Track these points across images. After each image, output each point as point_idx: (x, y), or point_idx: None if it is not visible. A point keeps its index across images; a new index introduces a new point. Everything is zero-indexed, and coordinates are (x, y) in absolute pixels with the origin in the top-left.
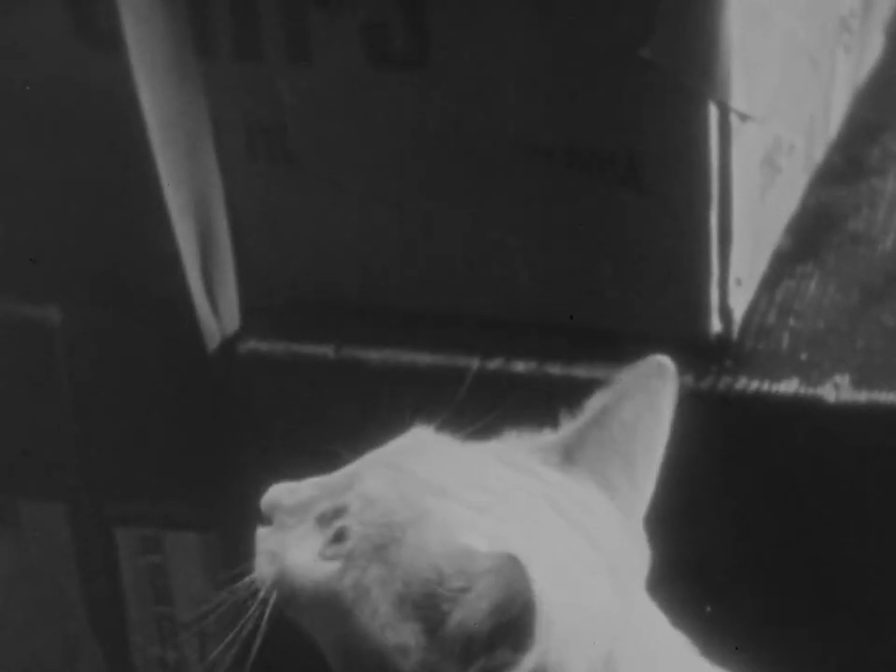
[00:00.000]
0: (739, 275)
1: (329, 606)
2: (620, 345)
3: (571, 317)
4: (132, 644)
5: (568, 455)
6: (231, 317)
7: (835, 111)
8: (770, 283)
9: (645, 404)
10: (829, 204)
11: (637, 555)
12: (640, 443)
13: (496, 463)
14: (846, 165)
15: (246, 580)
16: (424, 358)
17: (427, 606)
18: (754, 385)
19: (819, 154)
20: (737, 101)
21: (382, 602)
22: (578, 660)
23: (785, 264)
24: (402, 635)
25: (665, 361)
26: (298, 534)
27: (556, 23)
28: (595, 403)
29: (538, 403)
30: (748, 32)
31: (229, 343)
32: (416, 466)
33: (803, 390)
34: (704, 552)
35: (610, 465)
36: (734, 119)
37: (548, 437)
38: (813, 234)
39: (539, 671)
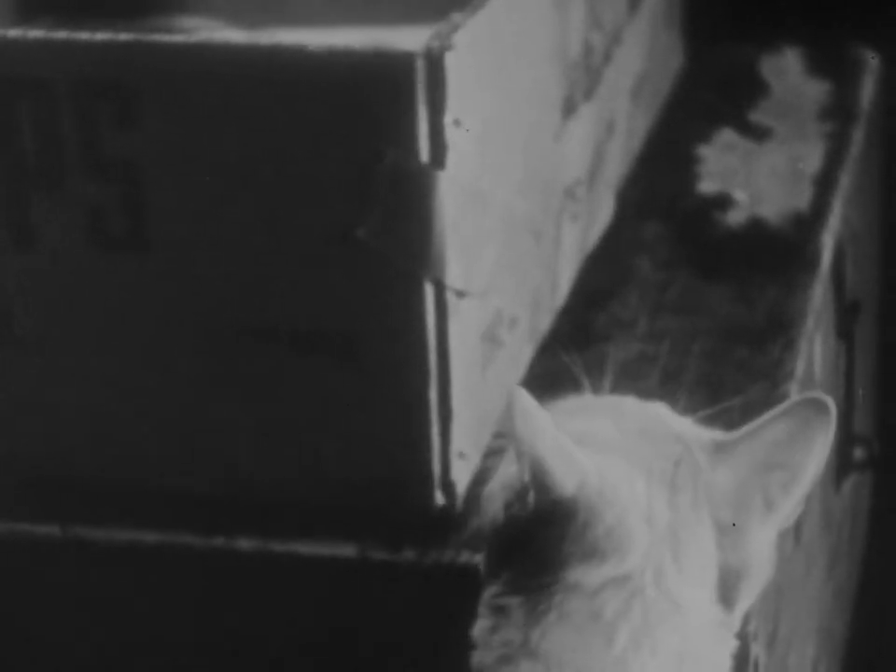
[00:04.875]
0: (462, 449)
1: None
2: (344, 520)
3: (294, 494)
4: None
5: (719, 450)
6: None
7: (563, 278)
8: (494, 455)
9: (798, 429)
10: (555, 372)
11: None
12: (789, 463)
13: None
14: (573, 332)
15: None
16: (148, 536)
17: None
18: (478, 557)
19: (544, 323)
20: (453, 279)
21: None
22: None
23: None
24: None
25: (822, 398)
26: None
27: (272, 206)
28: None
29: (262, 581)
30: (463, 211)
31: None
32: None
33: None
34: None
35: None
36: (450, 296)
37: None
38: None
39: None
